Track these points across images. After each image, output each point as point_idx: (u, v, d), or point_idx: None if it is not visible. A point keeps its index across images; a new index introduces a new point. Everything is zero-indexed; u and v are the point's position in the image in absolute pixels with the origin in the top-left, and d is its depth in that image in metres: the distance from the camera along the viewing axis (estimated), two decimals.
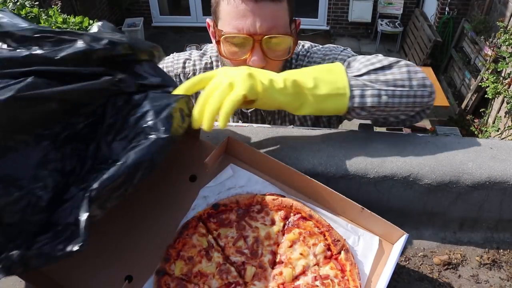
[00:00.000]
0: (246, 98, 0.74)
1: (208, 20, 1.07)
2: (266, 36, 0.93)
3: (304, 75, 0.82)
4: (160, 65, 1.16)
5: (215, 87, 0.73)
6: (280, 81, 0.78)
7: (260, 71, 0.80)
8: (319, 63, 1.09)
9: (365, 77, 0.85)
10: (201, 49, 1.23)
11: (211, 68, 1.17)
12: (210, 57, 1.18)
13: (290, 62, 1.14)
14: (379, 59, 0.90)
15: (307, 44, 1.19)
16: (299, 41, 1.12)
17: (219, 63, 1.15)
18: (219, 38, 0.97)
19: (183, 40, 6.87)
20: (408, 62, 0.91)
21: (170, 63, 1.18)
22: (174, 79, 1.16)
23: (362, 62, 0.90)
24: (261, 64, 0.95)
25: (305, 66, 1.08)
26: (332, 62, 1.06)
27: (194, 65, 1.17)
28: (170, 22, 7.43)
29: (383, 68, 0.87)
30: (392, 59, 0.90)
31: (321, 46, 1.17)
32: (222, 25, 0.96)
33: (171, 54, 1.22)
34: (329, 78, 0.83)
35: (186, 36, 7.28)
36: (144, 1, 7.20)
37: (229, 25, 0.94)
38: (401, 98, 0.86)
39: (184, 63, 1.17)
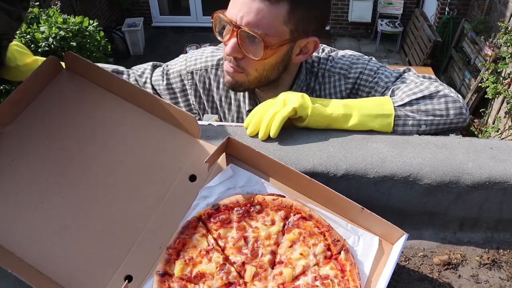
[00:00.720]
0: (296, 113, 0.88)
1: None
2: (241, 29, 0.93)
3: (355, 101, 0.94)
4: (173, 64, 1.17)
5: (272, 103, 0.91)
6: (329, 101, 0.92)
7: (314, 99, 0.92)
8: (346, 69, 1.11)
9: (407, 107, 0.94)
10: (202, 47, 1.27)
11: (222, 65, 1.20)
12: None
13: (311, 65, 1.14)
14: (421, 89, 0.96)
15: (327, 48, 1.19)
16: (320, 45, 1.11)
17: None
18: (214, 13, 1.00)
19: (183, 40, 6.87)
20: (446, 91, 0.97)
21: (184, 61, 1.20)
22: (186, 77, 1.19)
23: (405, 92, 0.97)
24: (232, 53, 0.96)
25: (329, 69, 1.12)
26: (360, 71, 1.10)
27: (206, 61, 1.19)
28: (170, 22, 7.43)
29: (424, 98, 0.95)
30: (432, 89, 0.96)
31: (342, 52, 1.17)
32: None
33: (182, 54, 1.25)
34: (377, 101, 0.94)
35: (186, 36, 7.28)
36: (144, 1, 7.20)
37: (228, 8, 0.97)
38: (438, 125, 0.96)
39: (196, 60, 1.20)
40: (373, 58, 1.15)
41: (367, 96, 1.09)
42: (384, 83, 1.07)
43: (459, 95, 0.99)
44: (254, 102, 1.17)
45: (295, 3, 0.92)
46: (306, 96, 0.91)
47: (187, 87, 1.20)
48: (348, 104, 0.93)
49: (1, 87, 2.58)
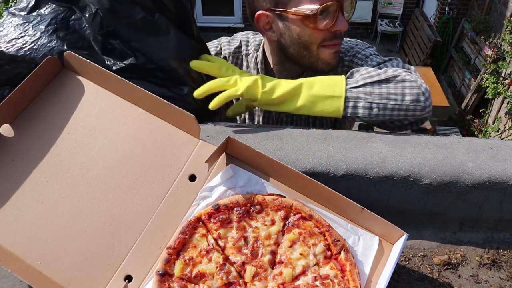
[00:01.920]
0: (243, 96, 0.93)
1: (260, 12, 1.07)
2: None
3: (309, 80, 0.94)
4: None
5: (227, 79, 0.94)
6: (282, 82, 0.94)
7: (266, 78, 0.95)
8: (344, 53, 1.15)
9: (360, 89, 0.92)
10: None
11: (240, 52, 1.24)
12: (240, 41, 1.24)
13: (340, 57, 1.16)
14: (378, 73, 0.95)
15: None
16: None
17: (268, 52, 1.20)
18: (305, 18, 1.00)
19: None
20: (406, 77, 0.94)
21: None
22: None
23: (362, 74, 0.96)
24: (347, 27, 1.01)
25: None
26: (354, 54, 1.13)
27: (222, 49, 1.24)
28: None
29: (380, 82, 0.93)
30: (390, 73, 0.94)
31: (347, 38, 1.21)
32: (295, 3, 1.00)
33: None
34: (329, 83, 0.93)
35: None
36: None
37: (306, 2, 0.98)
38: (393, 111, 0.93)
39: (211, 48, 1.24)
40: (373, 47, 1.18)
41: None
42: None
43: (422, 84, 0.96)
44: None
45: None
46: (259, 80, 0.93)
47: None
48: (300, 84, 0.94)
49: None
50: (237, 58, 1.23)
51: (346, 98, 0.92)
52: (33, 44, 0.89)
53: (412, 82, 0.94)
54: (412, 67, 1.03)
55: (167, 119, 0.82)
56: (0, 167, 0.77)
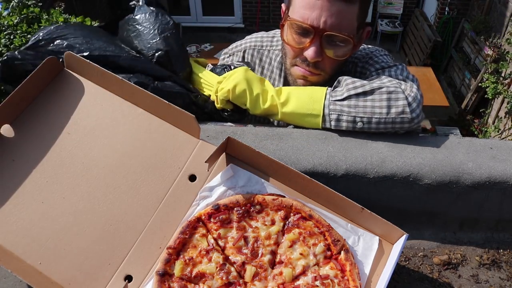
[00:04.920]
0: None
1: (283, 5, 1.08)
2: (327, 32, 0.94)
3: (293, 96, 0.95)
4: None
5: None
6: (272, 93, 0.95)
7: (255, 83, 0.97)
8: (360, 59, 1.12)
9: (345, 102, 0.91)
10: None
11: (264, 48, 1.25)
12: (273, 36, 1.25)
13: (354, 64, 1.13)
14: (363, 84, 0.92)
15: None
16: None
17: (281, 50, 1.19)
18: (284, 22, 1.01)
19: (182, 40, 6.86)
20: (392, 88, 0.90)
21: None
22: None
23: (348, 85, 0.93)
24: (316, 57, 0.97)
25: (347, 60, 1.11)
26: (368, 60, 1.10)
27: (258, 41, 1.26)
28: None
29: (365, 93, 0.91)
30: (375, 85, 0.91)
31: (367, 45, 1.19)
32: (292, 11, 0.99)
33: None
34: (307, 99, 0.93)
35: (186, 36, 7.26)
36: None
37: (297, 13, 0.97)
38: (378, 124, 0.90)
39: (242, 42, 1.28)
40: (389, 54, 1.16)
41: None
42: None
43: (411, 94, 0.91)
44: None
45: None
46: (247, 91, 0.95)
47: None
48: (275, 105, 0.94)
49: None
50: (261, 54, 1.24)
51: (330, 111, 0.91)
52: None
53: (398, 94, 0.90)
54: (413, 77, 0.99)
55: (167, 119, 0.82)
56: (0, 167, 0.77)
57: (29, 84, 0.79)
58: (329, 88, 0.94)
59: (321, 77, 1.03)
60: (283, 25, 1.01)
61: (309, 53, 0.97)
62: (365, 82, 0.92)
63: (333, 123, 0.91)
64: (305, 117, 0.93)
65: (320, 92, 0.94)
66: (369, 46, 1.19)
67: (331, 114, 0.91)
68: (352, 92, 0.91)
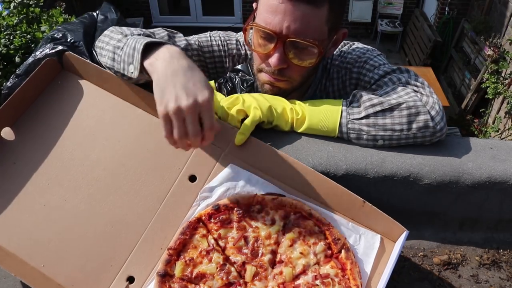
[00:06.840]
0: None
1: (254, 4, 0.99)
2: (290, 39, 0.88)
3: (306, 114, 0.90)
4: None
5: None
6: (274, 114, 0.89)
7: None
8: (352, 64, 1.06)
9: (363, 121, 0.87)
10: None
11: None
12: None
13: (326, 61, 1.08)
14: (380, 101, 0.87)
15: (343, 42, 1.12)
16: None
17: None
18: (247, 26, 0.95)
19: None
20: (411, 103, 0.87)
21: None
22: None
23: (364, 102, 0.88)
24: (279, 65, 0.91)
25: (338, 65, 1.06)
26: (362, 65, 1.03)
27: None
28: (170, 22, 7.42)
29: (383, 111, 0.86)
30: (394, 102, 0.87)
31: (354, 45, 1.12)
32: (257, 14, 0.93)
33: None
34: (322, 116, 0.89)
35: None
36: (144, 1, 7.19)
37: (260, 16, 0.91)
38: (399, 140, 0.88)
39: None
40: (382, 54, 1.09)
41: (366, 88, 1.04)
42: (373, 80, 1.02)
43: (434, 105, 0.88)
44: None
45: (333, 1, 0.89)
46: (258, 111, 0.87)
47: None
48: (291, 121, 0.91)
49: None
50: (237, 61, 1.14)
51: (349, 130, 0.88)
52: None
53: (418, 108, 0.86)
54: (423, 81, 0.95)
55: None
56: (2, 170, 0.77)
57: (29, 86, 0.79)
58: (344, 101, 0.90)
59: (288, 84, 0.97)
60: (245, 29, 0.96)
61: (273, 60, 0.91)
62: (381, 99, 0.88)
63: (353, 140, 0.89)
64: (320, 133, 0.90)
65: (335, 108, 0.89)
66: (357, 46, 1.12)
67: (350, 133, 0.88)
68: (371, 110, 0.87)
